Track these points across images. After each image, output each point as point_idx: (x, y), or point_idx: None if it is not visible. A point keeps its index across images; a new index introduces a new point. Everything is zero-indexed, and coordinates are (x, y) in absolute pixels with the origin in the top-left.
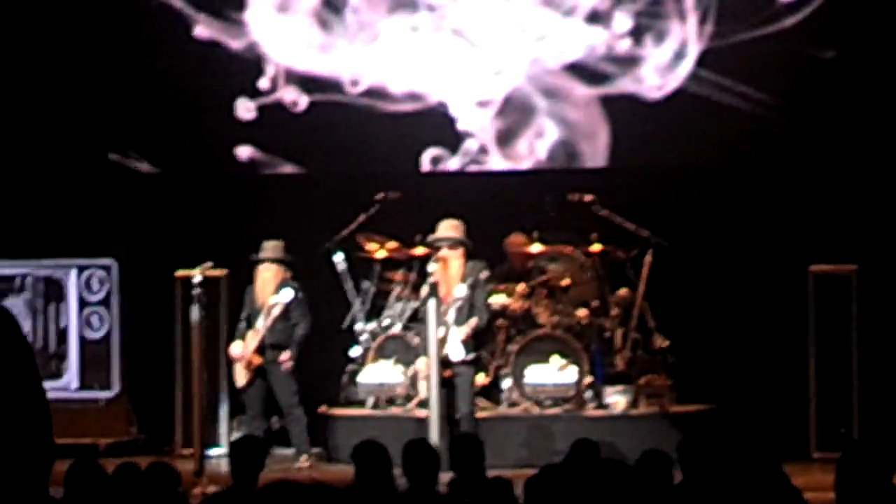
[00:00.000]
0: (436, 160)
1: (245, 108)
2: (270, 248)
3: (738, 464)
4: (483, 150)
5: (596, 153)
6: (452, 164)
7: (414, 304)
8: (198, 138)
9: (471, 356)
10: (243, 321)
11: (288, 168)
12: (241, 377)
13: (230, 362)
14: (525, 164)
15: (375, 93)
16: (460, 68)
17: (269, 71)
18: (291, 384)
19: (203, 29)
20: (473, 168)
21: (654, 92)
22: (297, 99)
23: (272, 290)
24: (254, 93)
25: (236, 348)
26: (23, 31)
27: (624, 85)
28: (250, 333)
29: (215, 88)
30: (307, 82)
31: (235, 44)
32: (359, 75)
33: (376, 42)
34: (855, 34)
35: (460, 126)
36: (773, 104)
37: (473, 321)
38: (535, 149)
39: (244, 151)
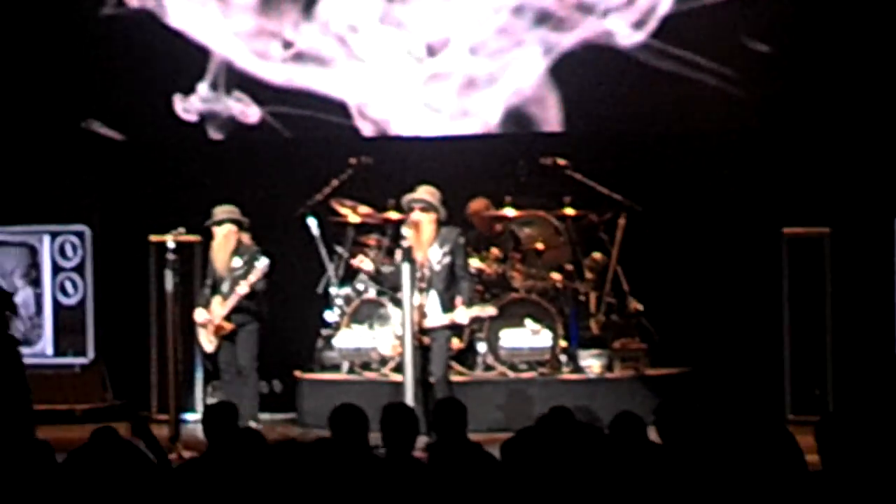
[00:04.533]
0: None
1: (184, 110)
2: (220, 211)
3: (726, 425)
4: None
5: (549, 118)
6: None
7: (388, 269)
8: (166, 107)
9: (447, 321)
10: (208, 287)
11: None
12: (207, 343)
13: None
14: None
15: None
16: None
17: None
18: (255, 348)
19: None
20: (451, 126)
21: (627, 39)
22: (245, 110)
23: (227, 253)
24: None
25: (200, 315)
26: None
27: (593, 31)
28: (217, 299)
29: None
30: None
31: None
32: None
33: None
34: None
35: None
36: (745, 70)
37: (465, 291)
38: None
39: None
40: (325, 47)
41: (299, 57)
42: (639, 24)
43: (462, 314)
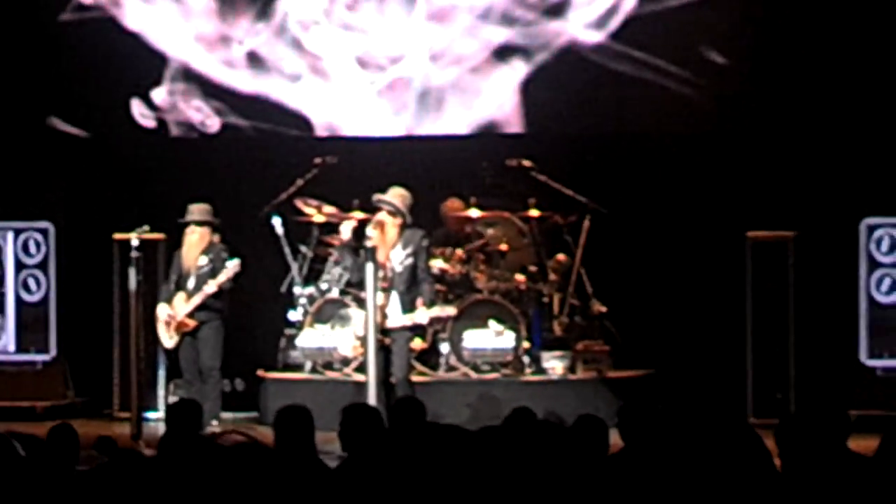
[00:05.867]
0: None
1: (142, 115)
2: (196, 210)
3: (690, 426)
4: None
5: (510, 119)
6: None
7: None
8: (129, 106)
9: (408, 321)
10: (172, 284)
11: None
12: (167, 339)
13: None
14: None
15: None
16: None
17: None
18: (218, 346)
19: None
20: (416, 128)
21: (590, 40)
22: (205, 120)
23: (198, 252)
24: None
25: (163, 310)
26: None
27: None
28: (181, 296)
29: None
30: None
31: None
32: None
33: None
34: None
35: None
36: (709, 73)
37: (426, 293)
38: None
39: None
40: (285, 55)
41: (258, 64)
42: (600, 25)
43: (422, 314)
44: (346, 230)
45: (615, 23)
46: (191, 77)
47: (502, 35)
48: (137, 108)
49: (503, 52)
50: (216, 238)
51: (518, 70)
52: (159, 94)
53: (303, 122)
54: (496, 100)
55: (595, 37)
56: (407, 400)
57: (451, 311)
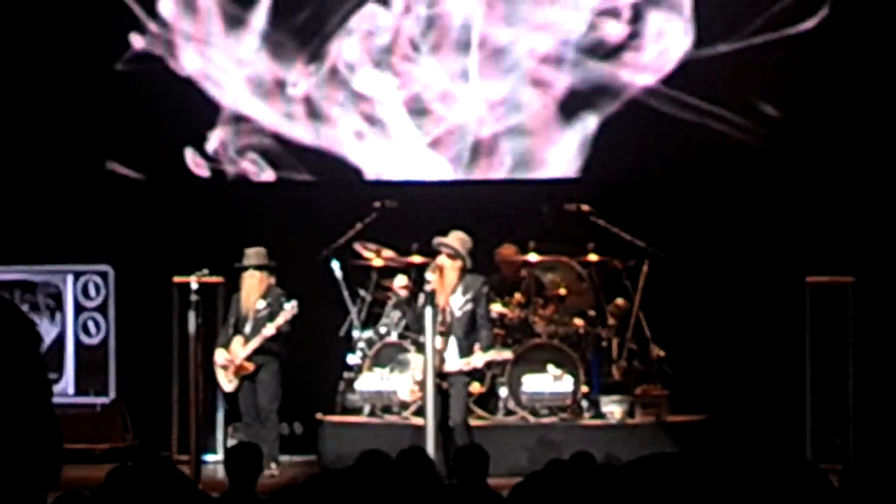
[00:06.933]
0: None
1: (196, 164)
2: (253, 254)
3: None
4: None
5: (563, 163)
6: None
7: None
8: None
9: (465, 366)
10: (230, 328)
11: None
12: (227, 383)
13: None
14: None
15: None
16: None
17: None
18: (276, 388)
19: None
20: (470, 177)
21: (647, 81)
22: (259, 172)
23: (257, 296)
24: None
25: (220, 355)
26: (24, 42)
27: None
28: (238, 339)
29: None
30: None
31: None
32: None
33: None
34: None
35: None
36: (766, 119)
37: (484, 338)
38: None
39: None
40: (337, 101)
41: (312, 114)
42: (655, 70)
43: (478, 358)
44: (399, 283)
45: (669, 67)
46: (244, 127)
47: (563, 82)
48: (191, 157)
49: (564, 101)
50: (272, 281)
51: (585, 120)
52: (213, 143)
53: (354, 173)
54: (554, 147)
55: (649, 81)
56: (470, 447)
57: (507, 354)
